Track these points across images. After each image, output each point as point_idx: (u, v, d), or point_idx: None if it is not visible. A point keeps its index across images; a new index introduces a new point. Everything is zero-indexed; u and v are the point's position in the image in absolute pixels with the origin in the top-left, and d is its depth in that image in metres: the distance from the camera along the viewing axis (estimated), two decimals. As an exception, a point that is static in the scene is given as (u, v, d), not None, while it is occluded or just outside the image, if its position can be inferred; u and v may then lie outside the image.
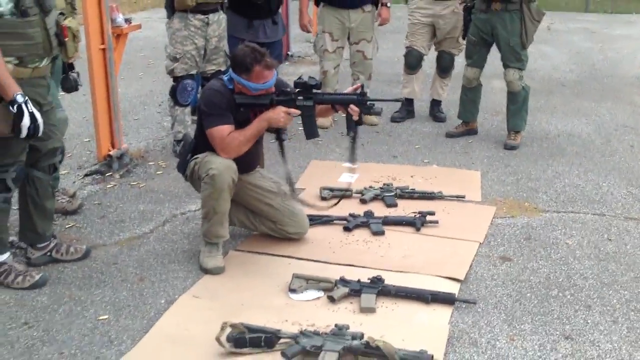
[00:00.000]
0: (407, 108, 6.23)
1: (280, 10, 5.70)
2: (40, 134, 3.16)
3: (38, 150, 3.39)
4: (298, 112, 3.52)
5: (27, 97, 3.07)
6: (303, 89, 3.52)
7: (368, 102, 3.55)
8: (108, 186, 4.63)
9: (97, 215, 4.20)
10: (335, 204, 3.97)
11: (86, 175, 4.77)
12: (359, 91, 3.58)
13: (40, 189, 3.51)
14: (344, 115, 3.59)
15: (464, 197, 4.46)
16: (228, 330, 2.85)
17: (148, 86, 7.40)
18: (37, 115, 3.11)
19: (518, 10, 5.20)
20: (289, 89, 3.57)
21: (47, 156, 3.49)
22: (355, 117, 3.55)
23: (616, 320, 3.15)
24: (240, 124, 3.53)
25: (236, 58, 3.47)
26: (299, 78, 3.56)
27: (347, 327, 2.89)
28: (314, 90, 3.54)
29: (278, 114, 3.50)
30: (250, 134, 3.52)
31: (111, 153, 4.83)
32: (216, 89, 3.55)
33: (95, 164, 4.91)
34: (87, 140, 5.52)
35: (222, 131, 3.48)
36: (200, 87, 5.27)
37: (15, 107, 3.02)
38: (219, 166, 3.46)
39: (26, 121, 3.05)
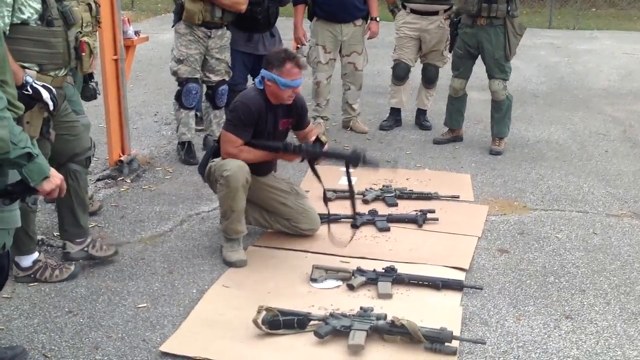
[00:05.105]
0: (394, 117, 6.56)
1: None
2: (58, 102, 3.29)
3: (73, 149, 3.59)
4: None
5: (32, 77, 3.18)
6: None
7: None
8: (121, 189, 4.85)
9: (116, 216, 4.42)
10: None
11: (98, 180, 4.98)
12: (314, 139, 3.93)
13: (81, 181, 3.70)
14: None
15: (458, 197, 4.79)
16: (263, 313, 3.12)
17: (140, 97, 7.61)
18: (49, 86, 3.23)
19: (502, 25, 5.59)
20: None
21: (83, 152, 3.68)
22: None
23: (609, 302, 3.49)
24: (267, 134, 3.85)
25: (270, 56, 3.80)
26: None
27: (372, 309, 3.19)
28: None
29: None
30: (257, 157, 3.84)
31: (122, 158, 5.05)
32: (246, 102, 3.81)
33: (106, 169, 5.12)
34: (92, 147, 5.71)
35: (234, 140, 3.77)
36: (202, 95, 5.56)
37: (28, 87, 3.13)
38: (233, 167, 3.73)
39: (45, 94, 3.17)
